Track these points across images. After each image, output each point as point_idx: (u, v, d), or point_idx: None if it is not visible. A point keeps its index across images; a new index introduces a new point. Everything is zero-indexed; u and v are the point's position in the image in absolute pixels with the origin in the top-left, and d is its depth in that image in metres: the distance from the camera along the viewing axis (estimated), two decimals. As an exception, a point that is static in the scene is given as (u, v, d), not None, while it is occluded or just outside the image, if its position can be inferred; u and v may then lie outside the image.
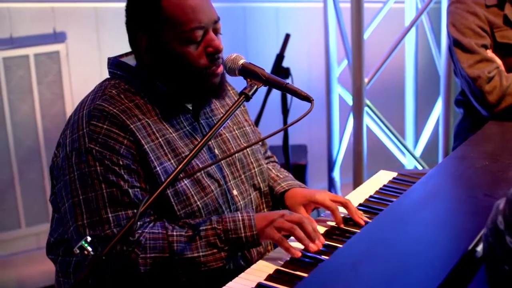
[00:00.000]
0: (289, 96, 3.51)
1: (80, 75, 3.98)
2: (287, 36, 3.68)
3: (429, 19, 3.90)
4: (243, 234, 1.83)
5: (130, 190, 1.81)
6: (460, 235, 1.57)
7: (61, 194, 1.87)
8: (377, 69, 3.67)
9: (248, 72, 1.87)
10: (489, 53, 2.65)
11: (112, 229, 1.79)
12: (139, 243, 1.79)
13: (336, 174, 4.12)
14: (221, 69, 1.93)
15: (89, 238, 1.48)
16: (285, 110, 3.65)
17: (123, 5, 1.96)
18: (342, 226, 2.01)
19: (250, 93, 1.82)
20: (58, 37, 3.94)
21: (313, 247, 1.82)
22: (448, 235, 1.61)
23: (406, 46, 4.10)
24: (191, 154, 1.68)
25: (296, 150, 4.20)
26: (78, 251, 1.46)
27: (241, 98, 1.81)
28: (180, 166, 1.65)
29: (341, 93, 4.01)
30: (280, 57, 3.64)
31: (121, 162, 1.81)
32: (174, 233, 1.82)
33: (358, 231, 1.91)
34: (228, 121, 1.90)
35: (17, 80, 3.82)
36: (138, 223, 1.81)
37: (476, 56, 2.63)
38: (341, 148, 4.02)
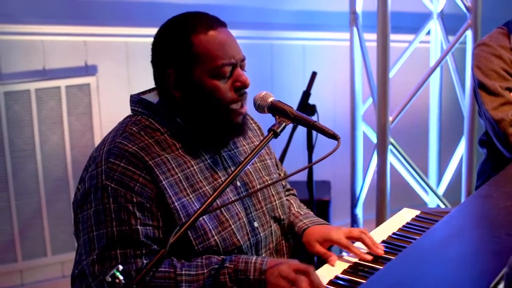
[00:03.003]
0: (314, 132, 3.54)
1: (109, 107, 4.06)
2: (314, 74, 3.71)
3: (454, 59, 3.92)
4: (251, 276, 1.82)
5: (140, 229, 1.83)
6: (482, 275, 1.58)
7: (79, 228, 1.90)
8: (402, 108, 3.68)
9: (277, 109, 1.91)
10: (514, 96, 2.67)
11: (118, 266, 1.80)
12: (143, 280, 1.77)
13: (359, 210, 4.13)
14: (245, 109, 1.98)
15: (121, 267, 1.51)
16: (310, 146, 3.66)
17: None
18: (367, 258, 2.01)
19: (279, 130, 1.86)
20: (89, 70, 4.02)
21: None
22: (470, 274, 1.62)
23: (430, 85, 4.11)
24: (215, 194, 1.71)
25: (319, 186, 4.21)
26: (110, 279, 1.49)
27: (270, 135, 1.85)
28: (204, 206, 1.68)
29: (366, 131, 4.05)
30: (306, 94, 3.66)
31: (135, 200, 1.84)
32: (183, 272, 1.83)
33: (381, 267, 1.94)
34: (254, 157, 1.88)
35: (48, 111, 3.89)
36: (145, 261, 1.82)
37: (500, 98, 2.66)
38: (365, 184, 4.05)
